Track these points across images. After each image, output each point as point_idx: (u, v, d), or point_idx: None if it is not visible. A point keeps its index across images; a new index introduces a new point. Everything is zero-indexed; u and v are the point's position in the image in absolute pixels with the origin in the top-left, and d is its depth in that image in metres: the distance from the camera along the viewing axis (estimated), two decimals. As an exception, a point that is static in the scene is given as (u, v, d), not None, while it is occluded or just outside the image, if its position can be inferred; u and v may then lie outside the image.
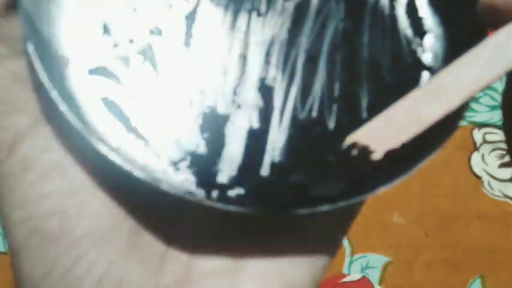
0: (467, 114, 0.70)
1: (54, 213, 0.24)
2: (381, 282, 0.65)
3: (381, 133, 0.27)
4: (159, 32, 0.29)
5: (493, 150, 0.70)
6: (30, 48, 0.25)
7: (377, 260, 0.66)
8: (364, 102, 0.30)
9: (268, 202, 0.26)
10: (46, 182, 0.25)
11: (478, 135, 0.70)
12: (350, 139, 0.28)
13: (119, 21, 0.29)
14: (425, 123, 0.26)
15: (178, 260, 0.26)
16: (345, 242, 0.66)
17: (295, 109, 0.29)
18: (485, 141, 0.70)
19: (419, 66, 0.30)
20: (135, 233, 0.26)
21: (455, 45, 0.30)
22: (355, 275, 0.65)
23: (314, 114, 0.29)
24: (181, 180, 0.27)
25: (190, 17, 0.29)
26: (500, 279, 0.65)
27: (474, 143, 0.70)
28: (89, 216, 0.25)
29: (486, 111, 0.71)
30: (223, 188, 0.27)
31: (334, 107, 0.29)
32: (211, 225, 0.27)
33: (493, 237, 0.66)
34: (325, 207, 0.25)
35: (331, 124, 0.29)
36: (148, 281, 0.25)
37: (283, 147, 0.28)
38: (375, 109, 0.28)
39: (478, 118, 0.71)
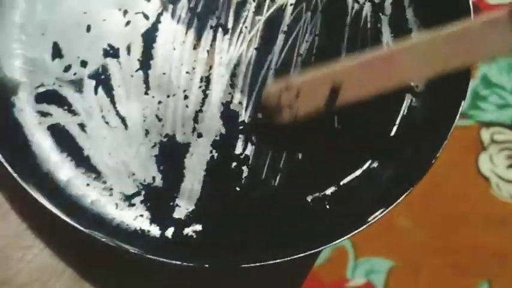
0: (474, 113, 0.69)
1: None
2: (385, 287, 0.64)
3: (359, 77, 0.25)
4: (115, 53, 0.27)
5: (502, 150, 0.69)
6: None
7: (381, 264, 0.65)
8: (339, 128, 0.27)
9: (226, 244, 0.25)
10: None
11: (486, 135, 0.69)
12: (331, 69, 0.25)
13: (70, 41, 0.27)
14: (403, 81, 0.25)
15: None
16: (348, 245, 0.64)
17: None
18: (493, 141, 0.69)
19: (403, 88, 0.28)
20: (77, 283, 0.25)
21: None
22: (359, 280, 0.64)
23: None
24: (135, 216, 0.26)
25: (150, 36, 0.27)
26: (508, 283, 0.64)
27: (482, 143, 0.69)
28: (31, 262, 0.24)
29: (494, 110, 0.69)
30: (179, 225, 0.26)
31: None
32: (163, 271, 0.25)
33: (501, 241, 0.65)
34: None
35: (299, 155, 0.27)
36: None
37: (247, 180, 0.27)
38: (348, 136, 0.27)
39: (486, 117, 0.69)
